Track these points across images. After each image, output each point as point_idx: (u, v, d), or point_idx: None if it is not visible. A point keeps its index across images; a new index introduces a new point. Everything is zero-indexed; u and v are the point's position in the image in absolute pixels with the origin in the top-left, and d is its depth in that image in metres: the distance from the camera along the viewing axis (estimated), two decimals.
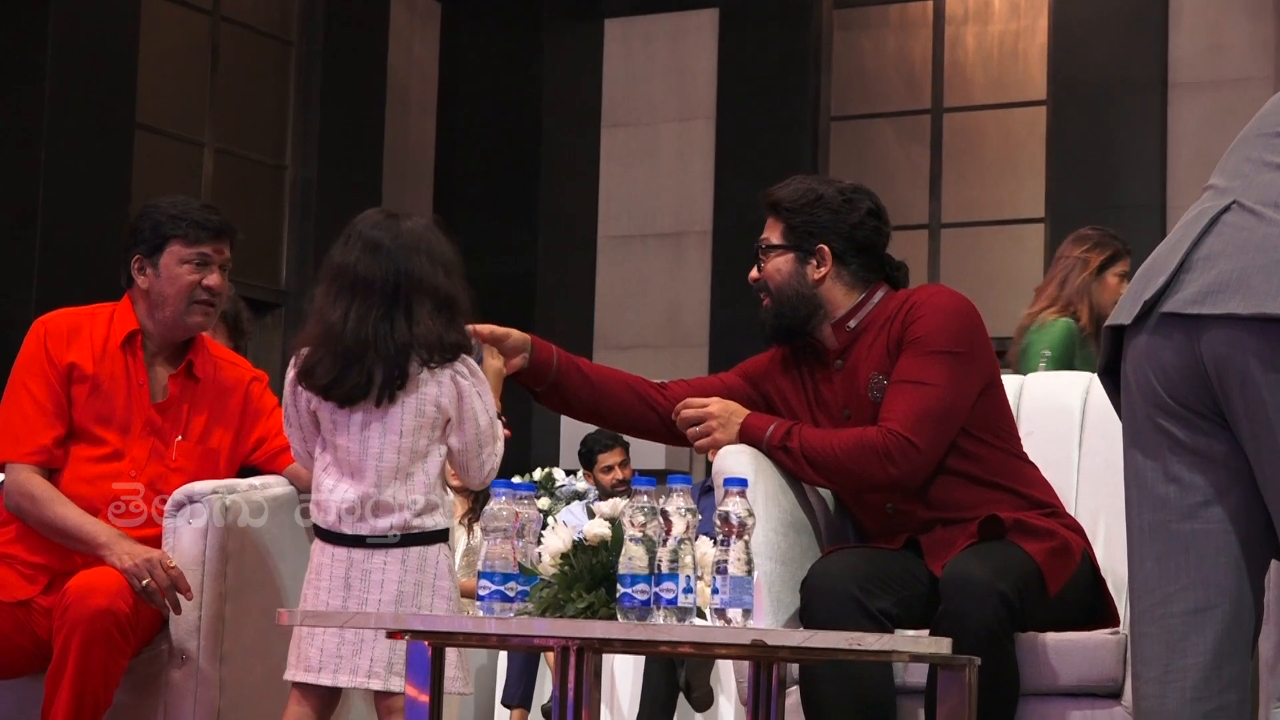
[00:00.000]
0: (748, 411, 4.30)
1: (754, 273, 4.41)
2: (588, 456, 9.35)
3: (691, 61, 13.16)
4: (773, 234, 4.38)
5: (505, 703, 8.20)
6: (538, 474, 9.65)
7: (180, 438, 4.38)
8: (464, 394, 4.07)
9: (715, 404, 4.31)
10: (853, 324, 4.32)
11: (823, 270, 4.32)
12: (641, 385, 4.47)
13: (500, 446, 4.13)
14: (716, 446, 4.28)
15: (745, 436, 4.26)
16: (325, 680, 3.97)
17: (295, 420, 4.10)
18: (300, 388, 4.07)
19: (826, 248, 4.32)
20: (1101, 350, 3.21)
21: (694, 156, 13.00)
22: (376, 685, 3.98)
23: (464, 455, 4.08)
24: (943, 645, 3.32)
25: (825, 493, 4.45)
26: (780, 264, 4.35)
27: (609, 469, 9.41)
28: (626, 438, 9.09)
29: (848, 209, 4.36)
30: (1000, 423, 4.29)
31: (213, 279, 4.38)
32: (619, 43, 13.36)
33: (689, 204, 12.96)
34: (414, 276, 4.06)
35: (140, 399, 4.35)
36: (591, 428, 9.68)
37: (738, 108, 12.89)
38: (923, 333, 4.20)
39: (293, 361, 4.11)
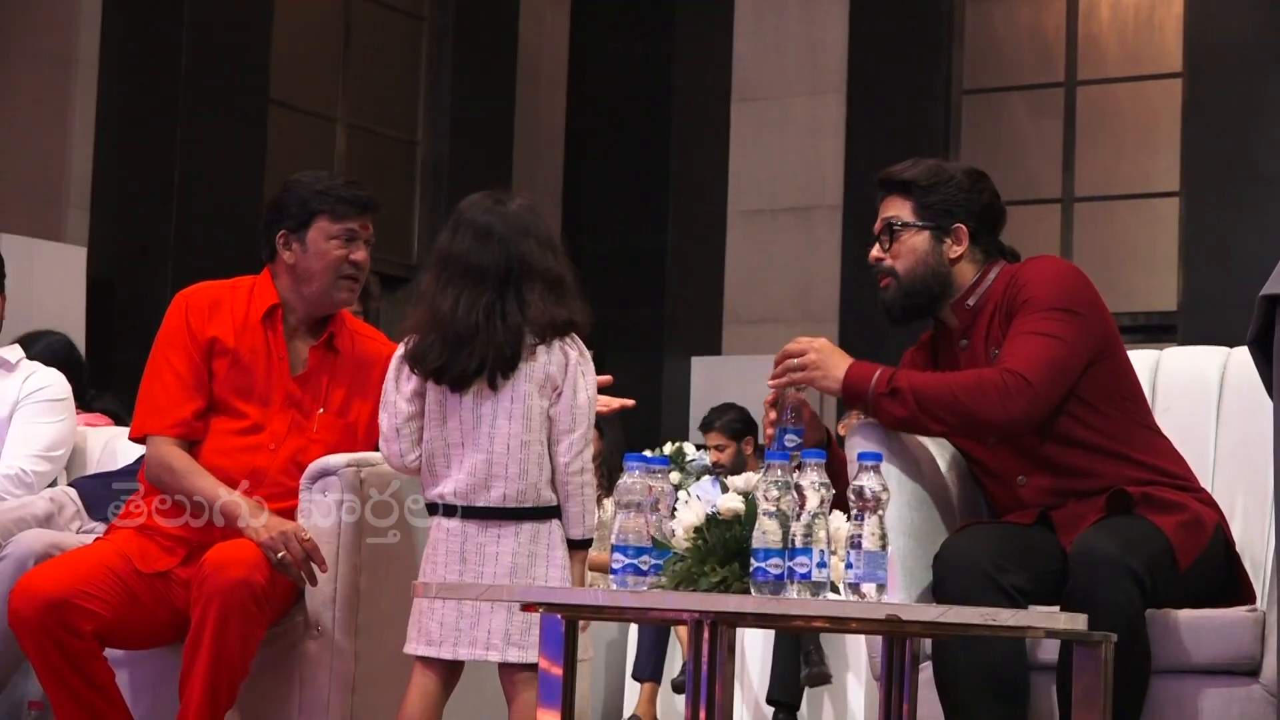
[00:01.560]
0: (851, 359, 4.20)
1: (877, 251, 4.36)
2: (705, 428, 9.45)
3: (822, 34, 13.10)
4: (902, 212, 4.34)
5: (636, 676, 8.21)
6: (668, 448, 9.64)
7: (321, 410, 4.41)
8: (570, 363, 4.11)
9: (820, 342, 4.23)
10: (971, 302, 4.29)
11: (959, 249, 4.30)
12: None
13: (591, 436, 4.12)
14: (817, 388, 4.19)
15: (849, 384, 4.15)
16: (446, 654, 4.00)
17: (393, 404, 4.10)
18: (409, 372, 4.09)
19: (964, 226, 4.30)
20: (1253, 319, 3.17)
21: (825, 130, 12.95)
22: (495, 657, 4.00)
23: (559, 426, 4.08)
24: (1078, 621, 3.30)
25: (958, 468, 4.42)
26: (916, 242, 4.31)
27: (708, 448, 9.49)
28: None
29: (978, 189, 4.34)
30: (1123, 390, 4.24)
31: (359, 254, 4.41)
32: (750, 16, 13.32)
33: (819, 178, 12.91)
34: (526, 261, 4.11)
35: (280, 372, 4.39)
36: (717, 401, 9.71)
37: (869, 81, 12.82)
38: (1033, 294, 4.18)
39: (401, 347, 4.13)
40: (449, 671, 4.04)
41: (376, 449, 4.27)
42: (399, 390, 4.11)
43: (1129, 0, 12.51)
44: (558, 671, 3.50)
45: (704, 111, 13.21)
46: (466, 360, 4.02)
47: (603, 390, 4.32)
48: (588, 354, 4.18)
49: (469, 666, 4.09)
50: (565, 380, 4.09)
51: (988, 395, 4.05)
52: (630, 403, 4.42)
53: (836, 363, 4.20)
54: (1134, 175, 12.31)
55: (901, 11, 12.76)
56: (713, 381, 11.90)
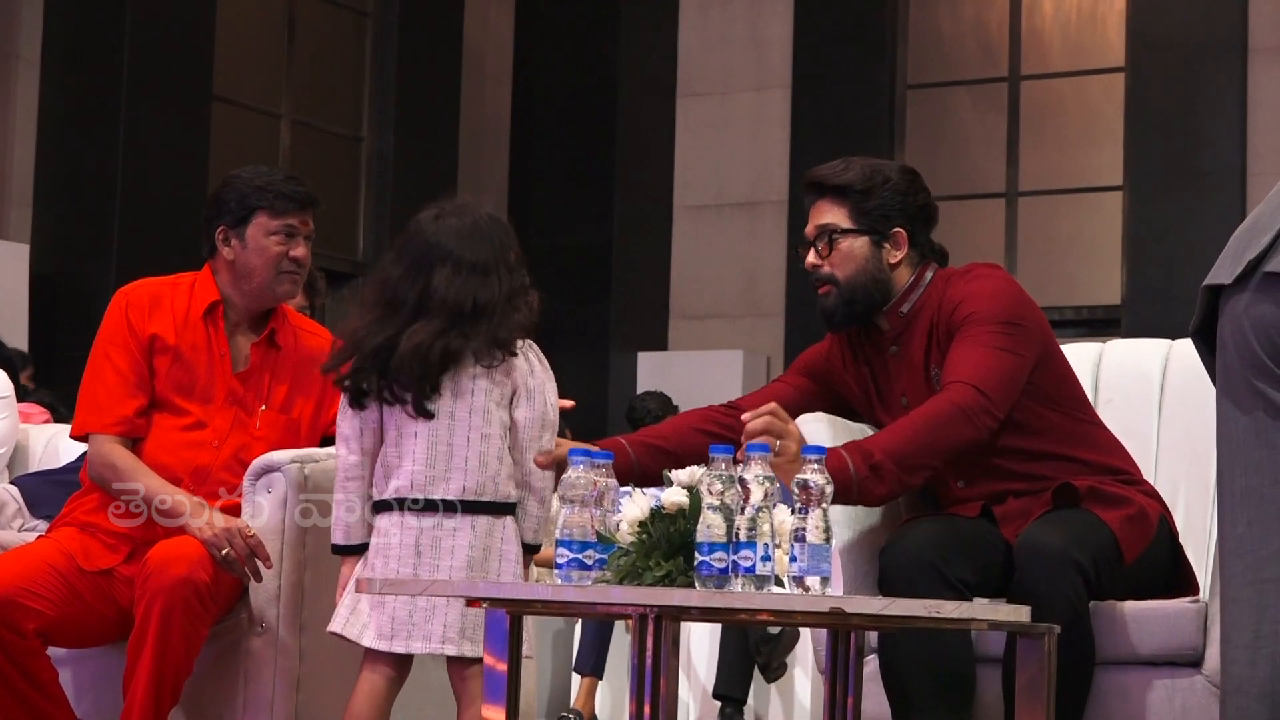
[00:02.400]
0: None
1: (813, 258, 4.26)
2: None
3: (767, 30, 13.12)
4: (837, 218, 4.24)
5: (578, 669, 8.21)
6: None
7: (264, 407, 4.39)
8: (534, 369, 4.05)
9: (797, 433, 3.88)
10: (905, 309, 4.24)
11: (899, 254, 4.23)
12: (712, 421, 4.29)
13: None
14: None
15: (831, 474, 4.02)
16: (399, 647, 3.96)
17: (354, 442, 4.03)
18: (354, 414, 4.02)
19: (903, 231, 4.23)
20: (1196, 310, 3.18)
21: (770, 126, 12.97)
22: (450, 650, 3.96)
23: (527, 432, 4.04)
24: (1022, 614, 3.30)
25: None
26: (855, 248, 4.22)
27: None
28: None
29: (913, 190, 4.27)
30: (1062, 392, 4.23)
31: (299, 250, 4.39)
32: (695, 11, 13.33)
33: (765, 173, 12.93)
34: (438, 292, 4.01)
35: (222, 369, 4.37)
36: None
37: (814, 76, 12.84)
38: (976, 309, 4.13)
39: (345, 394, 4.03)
40: (399, 666, 4.02)
41: (319, 445, 4.23)
42: (360, 438, 4.03)
43: None
44: (503, 667, 3.50)
45: (649, 106, 13.22)
46: (415, 384, 3.95)
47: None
48: (543, 359, 4.10)
49: (416, 661, 4.07)
50: (532, 384, 4.04)
51: (955, 422, 3.97)
52: (570, 404, 4.37)
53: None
54: (1077, 169, 12.36)
55: (846, 7, 12.79)
56: (658, 376, 11.91)
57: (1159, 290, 11.26)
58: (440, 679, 4.09)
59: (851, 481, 3.81)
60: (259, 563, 4.12)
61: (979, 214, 12.44)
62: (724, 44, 13.22)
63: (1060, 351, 4.29)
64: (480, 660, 3.87)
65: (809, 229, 4.29)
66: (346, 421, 4.01)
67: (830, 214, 4.26)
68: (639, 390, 12.17)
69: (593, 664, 8.16)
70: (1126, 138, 11.98)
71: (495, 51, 13.37)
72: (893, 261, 4.23)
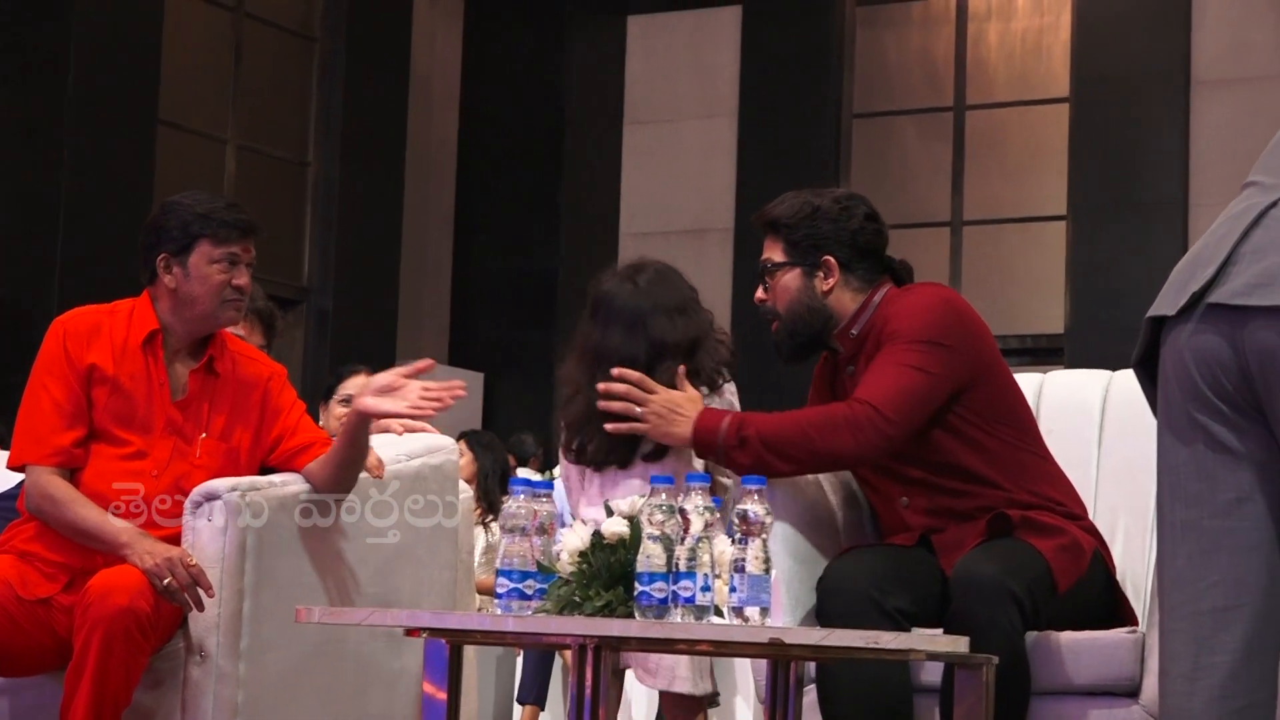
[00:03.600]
0: (698, 410, 4.20)
1: (760, 293, 4.39)
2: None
3: (714, 58, 13.16)
4: (774, 253, 4.36)
5: (520, 700, 8.20)
6: (558, 470, 9.67)
7: (203, 435, 4.37)
8: (733, 404, 4.58)
9: (660, 396, 4.23)
10: (855, 330, 4.31)
11: (831, 281, 4.31)
12: None
13: None
14: (665, 441, 4.33)
15: (698, 438, 4.17)
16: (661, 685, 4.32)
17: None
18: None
19: (832, 258, 4.31)
20: (1139, 341, 3.20)
21: (716, 154, 13.00)
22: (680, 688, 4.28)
23: None
24: (960, 644, 3.32)
25: (843, 492, 4.44)
26: (788, 281, 4.33)
27: None
28: None
29: (846, 216, 4.34)
30: (1004, 416, 4.26)
31: (242, 279, 4.36)
32: (642, 39, 13.36)
33: (711, 201, 12.96)
34: (663, 341, 4.59)
35: (161, 398, 4.34)
36: None
37: (760, 105, 12.88)
38: (898, 327, 4.20)
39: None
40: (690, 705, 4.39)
41: (259, 473, 4.23)
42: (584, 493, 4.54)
43: (1017, 26, 12.63)
44: (442, 696, 3.50)
45: (596, 134, 13.24)
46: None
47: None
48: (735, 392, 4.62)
49: (331, 633, 4.23)
50: None
51: (838, 429, 4.07)
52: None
53: (682, 414, 4.21)
54: (1022, 199, 12.42)
55: (793, 36, 12.83)
56: None
57: (1102, 319, 11.32)
58: (355, 650, 4.19)
59: (718, 442, 4.11)
60: (201, 591, 4.10)
61: (924, 243, 12.49)
62: (671, 72, 13.25)
63: (1005, 376, 4.33)
64: (700, 698, 4.25)
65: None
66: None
67: (769, 249, 4.39)
68: None
69: (535, 694, 8.16)
70: (1070, 168, 12.05)
71: (442, 77, 13.37)
72: (825, 289, 4.31)
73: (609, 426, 4.28)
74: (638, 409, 4.21)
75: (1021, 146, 12.52)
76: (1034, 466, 4.27)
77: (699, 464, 4.44)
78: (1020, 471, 4.22)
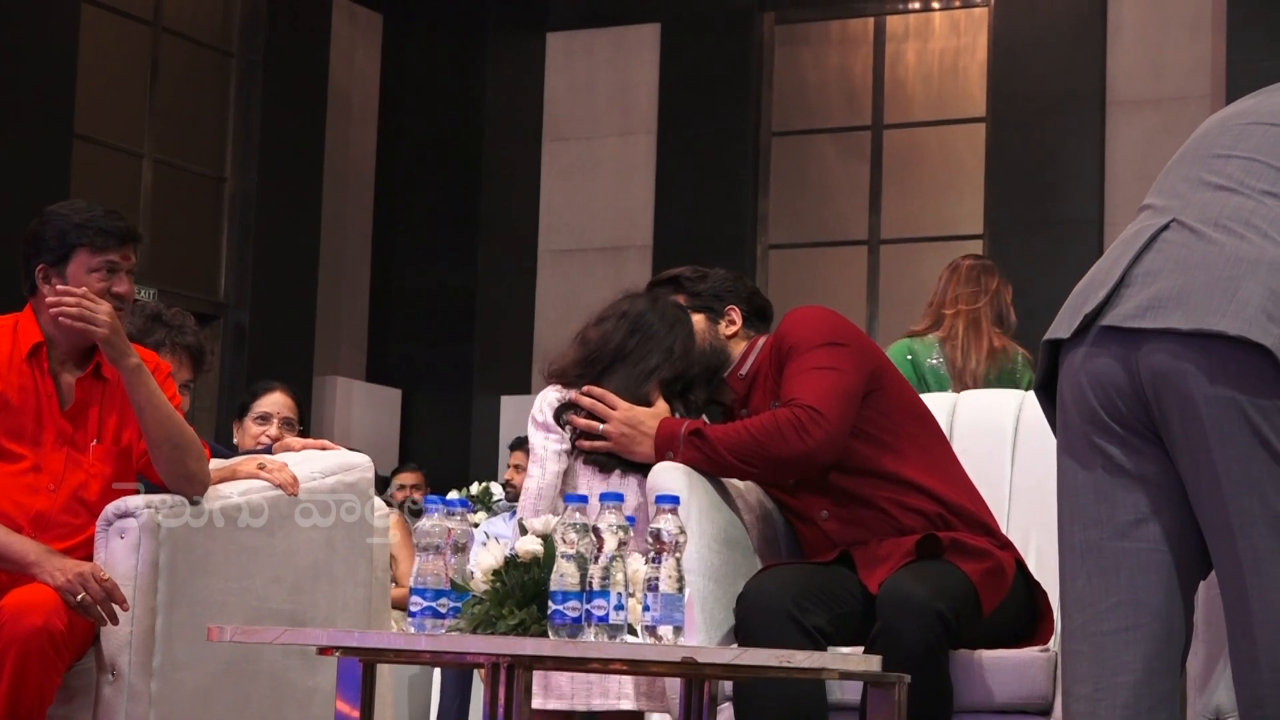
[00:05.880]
0: (656, 424, 4.36)
1: None
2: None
3: (633, 76, 13.18)
4: (678, 300, 4.60)
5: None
6: (475, 488, 9.66)
7: (95, 441, 4.31)
8: None
9: (623, 413, 4.38)
10: (744, 371, 4.51)
11: (733, 329, 4.58)
12: None
13: None
14: (628, 458, 4.39)
15: (661, 439, 4.33)
16: (579, 705, 4.19)
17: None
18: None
19: (737, 308, 4.59)
20: (1039, 365, 3.23)
21: (635, 171, 13.01)
22: (627, 705, 4.21)
23: None
24: (872, 663, 3.33)
25: (759, 510, 4.46)
26: (694, 321, 4.55)
27: (402, 487, 10.18)
28: None
29: (740, 282, 4.69)
30: (908, 416, 4.36)
31: (122, 287, 4.29)
32: (561, 56, 13.36)
33: (630, 218, 12.97)
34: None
35: (50, 410, 4.28)
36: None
37: (679, 122, 12.90)
38: (797, 339, 4.37)
39: None
40: None
41: (151, 468, 4.22)
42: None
43: (934, 46, 12.70)
44: (355, 714, 3.48)
45: (515, 150, 13.23)
46: None
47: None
48: None
49: (245, 651, 4.21)
50: None
51: (784, 432, 4.18)
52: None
53: (645, 427, 4.35)
54: (938, 218, 12.49)
55: (712, 54, 12.86)
56: (521, 421, 11.87)
57: (1017, 339, 11.38)
58: (270, 669, 4.17)
59: (679, 438, 4.28)
60: (115, 605, 4.06)
61: (841, 261, 12.54)
62: (590, 89, 13.26)
63: (899, 384, 4.45)
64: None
65: None
66: None
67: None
68: (501, 434, 12.16)
69: (455, 713, 8.13)
70: (987, 187, 12.12)
71: (361, 92, 13.33)
72: (728, 334, 4.57)
73: (580, 443, 4.39)
74: (600, 426, 4.36)
75: (938, 166, 12.59)
76: (945, 465, 4.33)
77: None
78: (932, 468, 4.28)
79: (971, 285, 6.73)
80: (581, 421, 4.37)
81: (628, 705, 4.17)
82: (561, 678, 4.16)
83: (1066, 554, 3.17)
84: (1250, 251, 3.01)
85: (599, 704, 4.20)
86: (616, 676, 4.15)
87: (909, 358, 6.31)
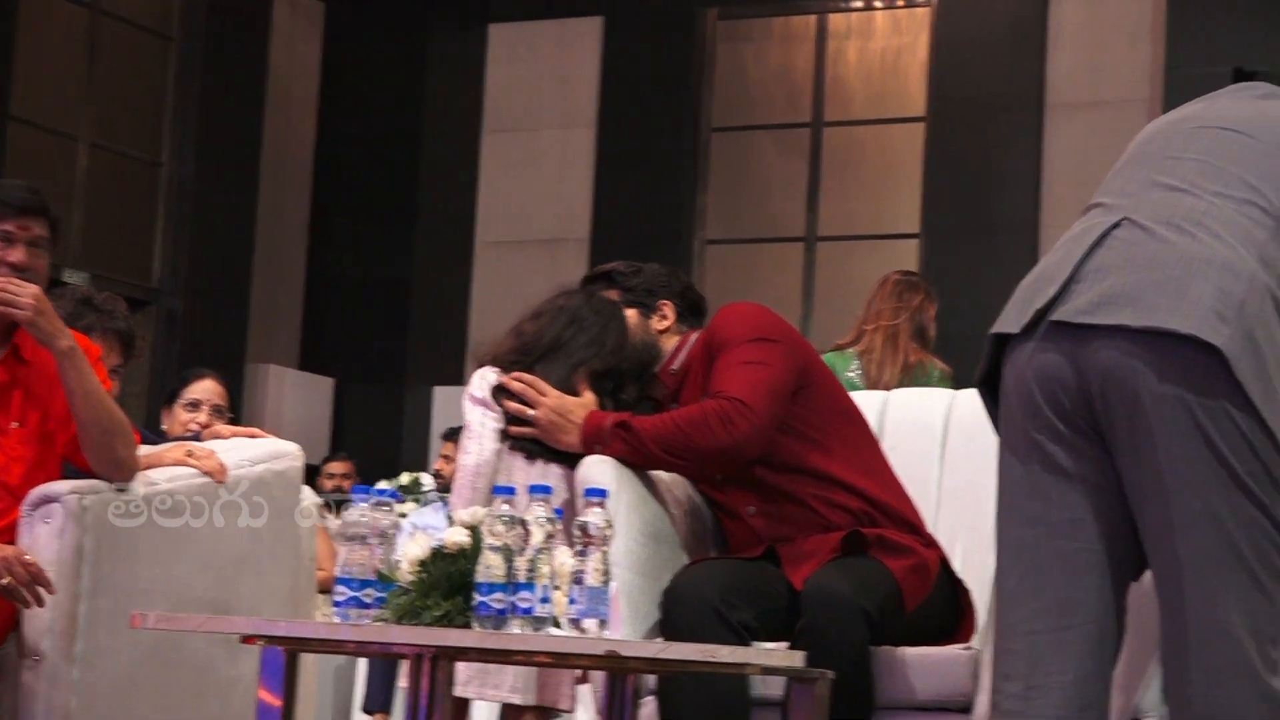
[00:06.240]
0: (585, 414, 4.36)
1: None
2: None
3: (575, 69, 13.16)
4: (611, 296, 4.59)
5: (366, 709, 8.14)
6: (405, 478, 9.64)
7: (16, 424, 4.25)
8: None
9: (552, 401, 4.38)
10: (675, 366, 4.51)
11: (666, 324, 4.58)
12: None
13: None
14: (555, 444, 4.38)
15: (588, 431, 4.32)
16: (471, 694, 4.23)
17: None
18: None
19: (670, 303, 4.59)
20: (983, 359, 3.23)
21: (575, 164, 13.00)
22: (516, 700, 4.20)
23: None
24: (795, 659, 3.34)
25: (687, 504, 4.46)
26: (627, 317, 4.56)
27: (331, 476, 10.27)
28: None
29: (674, 277, 4.67)
30: (837, 414, 4.38)
31: (16, 255, 4.18)
32: (503, 48, 13.33)
33: (568, 211, 12.95)
34: None
35: None
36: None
37: (620, 116, 12.89)
38: (728, 334, 4.37)
39: None
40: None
41: (79, 453, 4.18)
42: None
43: (876, 45, 12.72)
44: (278, 703, 3.47)
45: (455, 141, 13.20)
46: None
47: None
48: None
49: (168, 638, 4.20)
50: None
51: (710, 424, 4.19)
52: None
53: (572, 417, 4.35)
54: (876, 216, 12.51)
55: (654, 49, 12.85)
56: (454, 412, 11.83)
57: (951, 337, 11.41)
58: (193, 657, 4.17)
59: (605, 429, 4.26)
60: (40, 588, 4.03)
61: (778, 257, 12.55)
62: (532, 81, 13.23)
63: (830, 383, 4.46)
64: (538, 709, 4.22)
65: None
66: None
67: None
68: (433, 426, 12.13)
69: (382, 701, 8.10)
70: (924, 186, 12.15)
71: (301, 81, 13.27)
72: (660, 329, 4.57)
73: (510, 429, 4.39)
74: (530, 411, 4.37)
75: (877, 164, 12.61)
76: (873, 463, 4.35)
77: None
78: (860, 467, 4.30)
79: (893, 301, 7.00)
80: (513, 406, 4.37)
81: (517, 700, 4.12)
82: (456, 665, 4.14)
83: (1002, 551, 3.18)
84: (1202, 251, 3.02)
85: (491, 695, 4.18)
86: (511, 669, 4.12)
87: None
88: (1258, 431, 2.95)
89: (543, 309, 4.53)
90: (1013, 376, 3.14)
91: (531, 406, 4.37)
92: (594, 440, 4.29)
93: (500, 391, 4.42)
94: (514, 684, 4.19)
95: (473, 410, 4.43)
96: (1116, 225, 3.12)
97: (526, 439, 4.38)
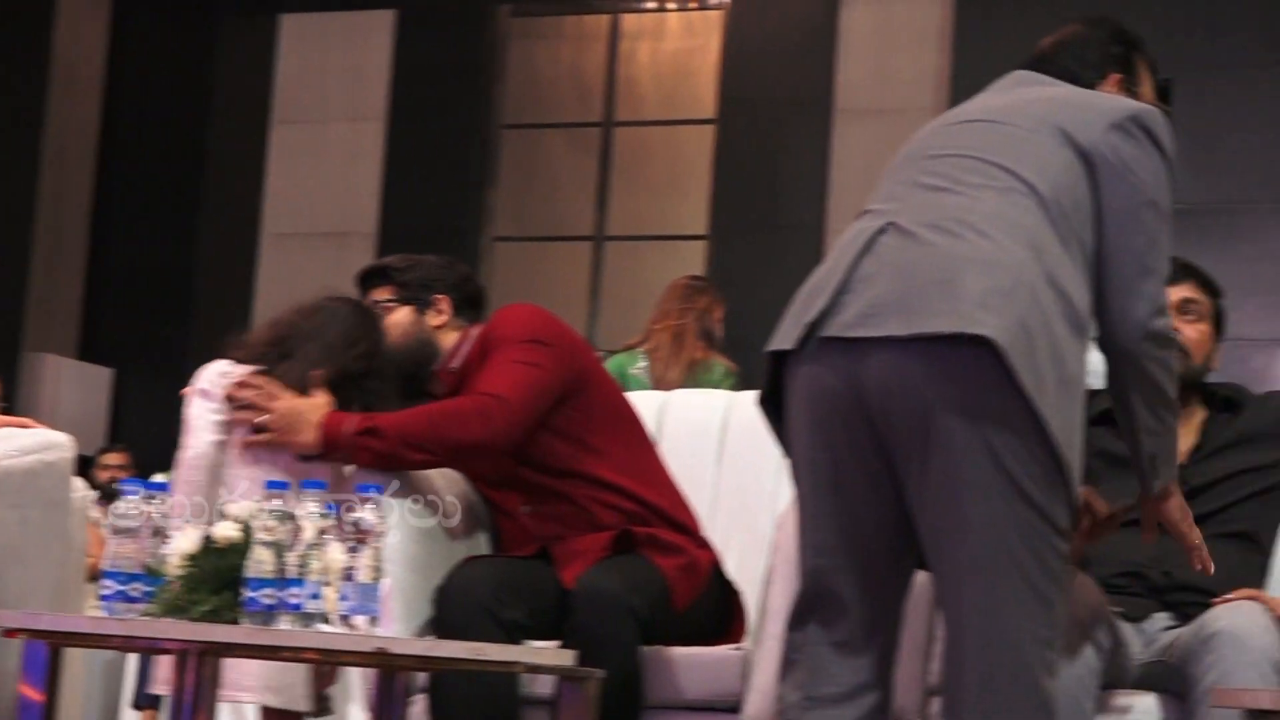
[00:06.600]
0: (319, 415, 4.19)
1: None
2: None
3: (366, 62, 13.07)
4: (384, 295, 4.51)
5: (136, 705, 8.03)
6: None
7: None
8: None
9: (284, 404, 4.21)
10: (455, 364, 4.44)
11: (442, 319, 4.48)
12: None
13: None
14: (291, 448, 4.21)
15: (327, 433, 4.16)
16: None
17: None
18: None
19: (445, 298, 4.48)
20: (764, 377, 3.23)
21: (363, 157, 12.91)
22: (247, 699, 4.04)
23: None
24: (565, 658, 3.34)
25: (463, 502, 4.45)
26: (399, 317, 4.47)
27: (106, 468, 10.15)
28: None
29: (451, 269, 4.57)
30: (615, 420, 4.39)
31: None
32: (294, 38, 13.21)
33: (356, 205, 12.86)
34: None
35: None
36: None
37: (410, 110, 12.83)
38: (502, 334, 4.36)
39: None
40: None
41: None
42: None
43: (668, 47, 12.78)
44: (40, 698, 3.41)
45: (243, 131, 13.05)
46: None
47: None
48: None
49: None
50: None
51: (465, 417, 4.16)
52: None
53: (307, 418, 4.20)
54: (664, 217, 12.56)
55: (446, 44, 12.80)
56: None
57: (737, 338, 11.49)
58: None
59: (344, 431, 4.11)
60: None
61: (567, 256, 12.56)
62: (322, 72, 13.12)
63: (609, 388, 4.47)
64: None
65: None
66: None
67: (379, 294, 4.53)
68: None
69: (152, 697, 7.98)
70: (713, 188, 12.21)
71: (86, 64, 13.05)
72: (436, 324, 4.48)
73: (244, 440, 4.22)
74: (260, 417, 4.20)
75: (667, 165, 12.66)
76: (647, 467, 4.37)
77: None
78: (633, 469, 4.31)
79: (680, 302, 7.37)
80: (241, 415, 4.22)
81: (248, 698, 4.03)
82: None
83: (796, 564, 3.22)
84: (965, 250, 3.03)
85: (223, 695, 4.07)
86: (243, 668, 4.00)
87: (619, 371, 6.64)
88: (1034, 430, 2.95)
89: (299, 305, 4.48)
90: (793, 395, 3.15)
91: (263, 412, 4.24)
92: (334, 442, 4.12)
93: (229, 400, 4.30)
94: (240, 682, 4.04)
95: (195, 402, 4.34)
96: (882, 231, 3.13)
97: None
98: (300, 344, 4.36)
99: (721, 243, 11.98)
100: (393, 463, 4.16)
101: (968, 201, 3.11)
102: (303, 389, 4.26)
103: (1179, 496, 3.47)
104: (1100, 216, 3.17)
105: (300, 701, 3.99)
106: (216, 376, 4.33)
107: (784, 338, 3.15)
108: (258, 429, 4.19)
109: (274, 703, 3.97)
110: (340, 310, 4.38)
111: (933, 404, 2.97)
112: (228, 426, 4.24)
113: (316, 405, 4.22)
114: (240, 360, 4.39)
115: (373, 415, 4.18)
